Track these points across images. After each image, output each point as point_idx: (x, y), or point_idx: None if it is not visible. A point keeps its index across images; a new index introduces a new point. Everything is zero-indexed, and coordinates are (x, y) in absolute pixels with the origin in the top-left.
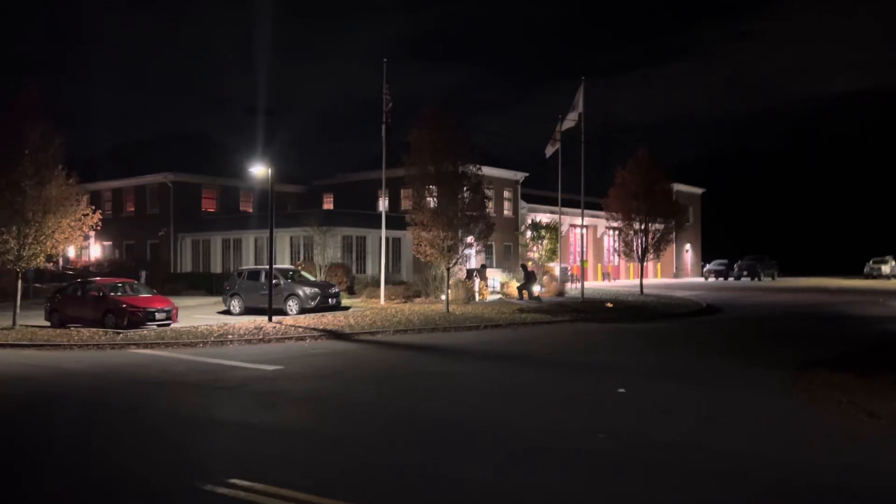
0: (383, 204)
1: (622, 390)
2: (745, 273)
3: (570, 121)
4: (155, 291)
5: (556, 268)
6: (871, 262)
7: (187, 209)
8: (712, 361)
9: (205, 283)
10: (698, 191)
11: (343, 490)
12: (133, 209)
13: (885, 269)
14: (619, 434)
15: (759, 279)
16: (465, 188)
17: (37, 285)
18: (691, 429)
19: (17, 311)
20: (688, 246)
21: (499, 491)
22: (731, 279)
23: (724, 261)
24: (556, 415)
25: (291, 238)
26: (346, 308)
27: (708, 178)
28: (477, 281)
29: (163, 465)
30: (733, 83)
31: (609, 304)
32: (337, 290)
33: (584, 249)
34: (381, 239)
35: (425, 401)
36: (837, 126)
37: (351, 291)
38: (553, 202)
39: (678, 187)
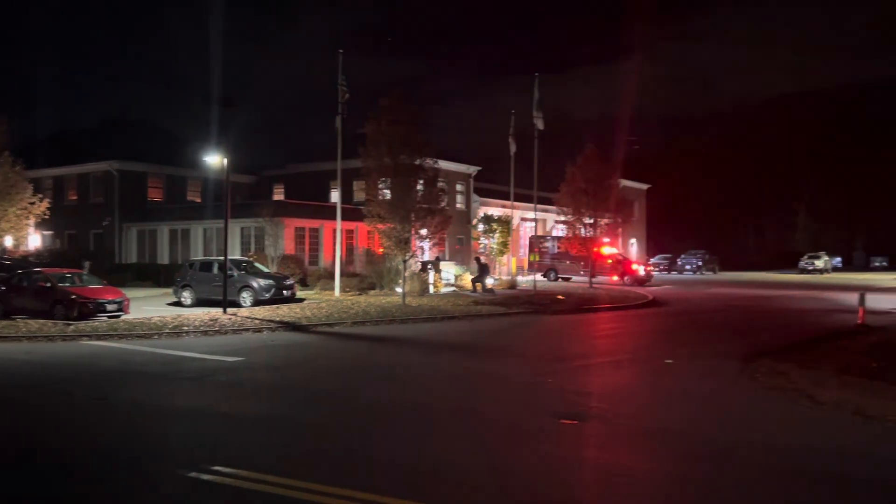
0: (338, 195)
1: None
2: (686, 267)
3: (538, 118)
4: (105, 282)
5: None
6: (805, 257)
7: (133, 198)
8: (662, 350)
9: (151, 275)
10: (643, 186)
11: (324, 474)
12: (76, 197)
13: (819, 263)
14: (586, 415)
15: (701, 273)
16: (421, 181)
17: None
18: (649, 411)
19: None
20: (633, 240)
21: (475, 469)
22: (674, 273)
23: (668, 255)
24: (517, 401)
25: (242, 229)
26: (301, 300)
27: (652, 175)
28: (431, 273)
29: (143, 454)
30: (678, 82)
31: (560, 297)
32: (292, 281)
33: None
34: (335, 230)
35: (390, 389)
36: (770, 126)
37: (304, 283)
38: (504, 196)
39: (624, 183)
